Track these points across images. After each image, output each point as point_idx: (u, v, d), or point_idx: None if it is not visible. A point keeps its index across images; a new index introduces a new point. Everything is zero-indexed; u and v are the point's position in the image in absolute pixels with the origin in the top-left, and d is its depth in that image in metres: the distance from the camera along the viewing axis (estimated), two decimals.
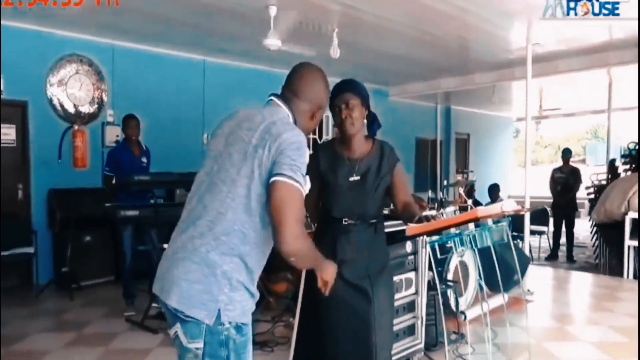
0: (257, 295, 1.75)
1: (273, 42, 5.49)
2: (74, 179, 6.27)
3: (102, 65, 6.73)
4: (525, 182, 6.44)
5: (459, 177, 11.64)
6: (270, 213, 1.62)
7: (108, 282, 6.24)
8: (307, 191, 1.67)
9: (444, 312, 4.04)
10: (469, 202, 6.01)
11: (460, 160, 13.64)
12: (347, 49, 6.28)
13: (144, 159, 5.28)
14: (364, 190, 2.45)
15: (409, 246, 3.67)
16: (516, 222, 6.84)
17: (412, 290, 3.70)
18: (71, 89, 6.48)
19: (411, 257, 3.70)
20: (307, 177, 1.69)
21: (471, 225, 2.26)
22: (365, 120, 2.50)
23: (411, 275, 3.69)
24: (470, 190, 9.24)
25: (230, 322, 1.63)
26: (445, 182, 12.09)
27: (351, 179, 2.46)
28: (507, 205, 2.17)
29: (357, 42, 6.79)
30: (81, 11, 5.33)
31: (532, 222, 7.67)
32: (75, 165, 6.23)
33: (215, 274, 1.62)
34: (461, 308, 4.40)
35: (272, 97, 1.87)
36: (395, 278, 3.46)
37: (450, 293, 4.44)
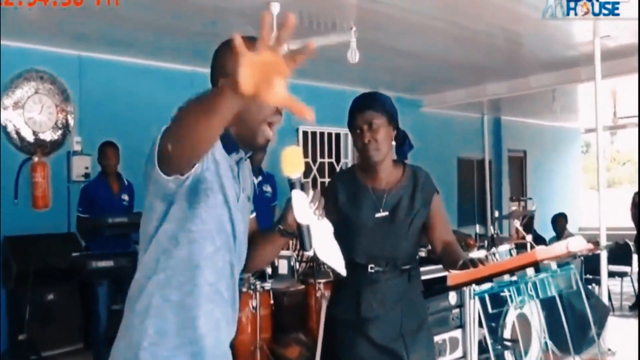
0: None
1: None
2: (34, 223, 6.32)
3: (67, 82, 6.87)
4: (599, 210, 6.38)
5: (515, 207, 11.59)
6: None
7: (76, 351, 6.22)
8: None
9: None
10: (528, 238, 5.95)
11: (515, 184, 13.56)
12: (367, 52, 6.35)
13: (125, 197, 5.36)
14: (393, 229, 2.46)
15: (452, 297, 3.65)
16: (590, 261, 6.77)
17: (458, 353, 3.66)
18: (29, 113, 6.62)
19: (456, 310, 3.69)
20: (207, 175, 1.68)
21: (530, 271, 2.25)
22: (393, 142, 2.52)
23: (457, 333, 3.67)
24: (529, 223, 9.18)
25: None
26: (497, 214, 12.01)
27: (377, 215, 2.48)
28: (575, 244, 2.16)
29: (380, 43, 6.87)
30: (41, 16, 5.47)
31: (611, 262, 7.58)
32: (35, 206, 6.31)
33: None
34: None
35: None
36: (437, 338, 3.43)
37: (507, 355, 4.38)
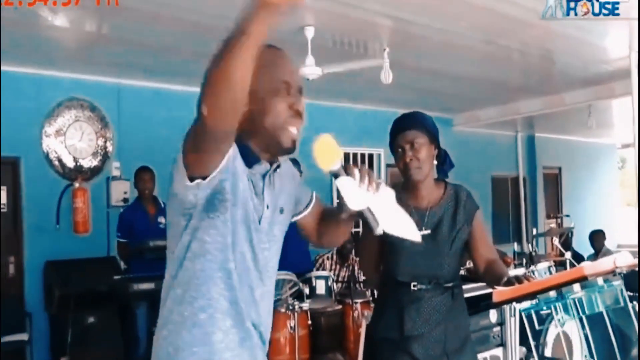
0: None
1: (311, 70, 5.63)
2: (75, 247, 6.45)
3: (105, 109, 7.03)
4: (637, 226, 6.27)
5: (552, 224, 11.43)
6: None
7: None
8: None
9: None
10: (567, 255, 5.87)
11: (551, 201, 13.40)
12: (400, 72, 6.37)
13: (162, 219, 5.42)
14: (436, 247, 2.47)
15: (493, 315, 3.62)
16: (630, 279, 6.62)
17: None
18: (70, 140, 6.78)
19: (497, 328, 3.65)
20: (234, 186, 1.62)
21: (576, 287, 2.22)
22: (435, 162, 2.53)
23: (498, 352, 3.63)
24: (567, 240, 9.04)
25: None
26: (534, 231, 11.87)
27: (420, 233, 2.48)
28: (622, 259, 2.13)
29: (412, 63, 6.89)
30: (81, 46, 5.63)
31: None
32: (76, 231, 6.43)
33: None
34: None
35: None
36: (478, 357, 3.40)
37: None
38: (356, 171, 1.62)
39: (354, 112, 9.32)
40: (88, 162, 6.91)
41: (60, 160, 6.70)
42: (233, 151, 1.61)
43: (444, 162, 2.59)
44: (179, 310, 1.67)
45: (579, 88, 8.78)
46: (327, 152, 1.59)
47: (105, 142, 7.04)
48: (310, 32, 5.43)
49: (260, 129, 1.69)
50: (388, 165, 9.90)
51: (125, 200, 6.80)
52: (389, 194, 1.71)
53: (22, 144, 6.36)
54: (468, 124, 10.75)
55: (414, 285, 2.45)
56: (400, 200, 2.56)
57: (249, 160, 1.69)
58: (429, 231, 2.49)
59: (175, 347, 1.67)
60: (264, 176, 1.75)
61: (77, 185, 6.55)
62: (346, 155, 9.41)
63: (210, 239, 1.62)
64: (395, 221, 1.71)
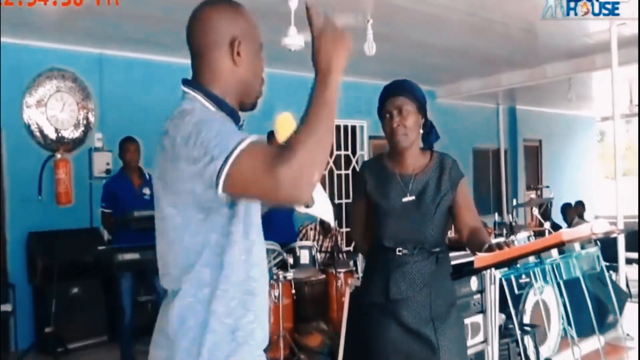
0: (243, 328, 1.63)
1: (294, 40, 5.62)
2: (57, 218, 6.45)
3: (87, 79, 6.98)
4: (616, 198, 6.39)
5: (532, 195, 11.58)
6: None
7: (101, 344, 6.34)
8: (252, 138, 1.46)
9: None
10: (546, 225, 5.99)
11: (532, 173, 13.55)
12: (384, 44, 6.38)
13: (147, 190, 5.42)
14: (420, 213, 2.52)
15: (474, 283, 3.68)
16: (607, 248, 6.76)
17: (480, 338, 3.70)
18: (52, 111, 6.74)
19: (477, 296, 3.71)
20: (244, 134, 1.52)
21: (554, 253, 2.29)
22: (421, 131, 2.57)
23: (478, 319, 3.70)
24: (546, 211, 9.18)
25: None
26: (514, 202, 12.01)
27: (404, 199, 2.54)
28: (599, 226, 2.20)
29: (396, 35, 6.90)
30: (61, 16, 5.56)
31: (629, 249, 7.56)
32: (59, 202, 6.40)
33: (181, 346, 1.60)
34: (545, 356, 4.38)
35: (183, 88, 1.72)
36: None
37: (528, 340, 4.42)
38: None
39: None
40: (70, 133, 6.87)
41: (41, 131, 6.66)
42: None
43: (429, 133, 2.63)
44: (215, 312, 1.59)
45: (561, 60, 8.84)
46: (287, 127, 1.75)
47: (87, 113, 7.00)
48: (294, 3, 5.42)
49: (239, 85, 1.70)
50: (371, 137, 9.95)
51: (107, 171, 6.78)
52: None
53: (3, 114, 6.28)
54: (451, 96, 10.80)
55: (399, 251, 2.50)
56: (386, 167, 2.62)
57: (235, 118, 1.68)
58: (413, 197, 2.54)
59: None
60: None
61: (59, 156, 6.49)
62: None
63: (235, 228, 1.58)
64: (319, 204, 1.89)
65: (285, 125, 1.79)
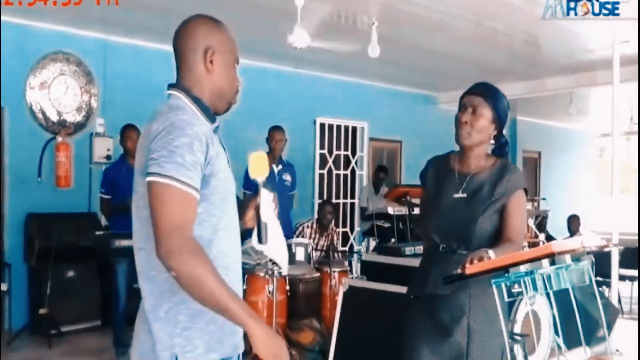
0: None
1: (300, 39, 5.69)
2: (56, 201, 6.52)
3: (91, 64, 7.03)
4: (612, 214, 6.45)
5: (528, 206, 11.61)
6: None
7: (94, 328, 6.43)
8: (194, 178, 1.68)
9: None
10: (541, 237, 6.07)
11: (529, 185, 13.55)
12: (388, 47, 6.45)
13: None
14: (468, 212, 2.52)
15: None
16: (601, 264, 6.82)
17: None
18: (55, 93, 6.79)
19: None
20: (213, 166, 1.76)
21: (545, 264, 2.35)
22: (492, 142, 2.60)
23: None
24: (542, 223, 9.26)
25: None
26: None
27: (456, 195, 2.57)
28: (589, 239, 2.27)
29: (400, 39, 6.97)
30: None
31: (622, 265, 7.64)
32: (58, 185, 6.48)
33: (158, 317, 1.77)
34: None
35: (169, 90, 1.94)
36: None
37: (517, 349, 4.48)
38: (273, 193, 2.02)
39: (339, 84, 9.40)
40: (72, 117, 6.92)
41: (43, 113, 6.71)
42: (203, 145, 1.74)
43: (501, 148, 2.63)
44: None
45: (562, 74, 8.93)
46: (259, 165, 1.96)
47: (89, 97, 7.05)
48: (300, 1, 5.48)
49: (213, 90, 1.92)
50: (371, 139, 10.02)
51: (108, 157, 6.84)
52: (279, 226, 2.07)
53: (6, 94, 6.33)
54: (452, 103, 10.80)
55: (442, 247, 2.55)
56: (448, 164, 2.64)
57: (211, 117, 1.90)
58: (464, 195, 2.56)
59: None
60: (214, 131, 1.92)
61: (60, 139, 6.56)
62: (330, 127, 9.51)
63: (214, 198, 1.80)
64: (276, 246, 2.06)
65: (257, 163, 1.96)
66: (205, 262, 1.64)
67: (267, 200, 1.95)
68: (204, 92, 1.89)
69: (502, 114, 2.58)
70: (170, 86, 1.94)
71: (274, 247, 2.03)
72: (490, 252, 2.27)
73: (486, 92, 2.57)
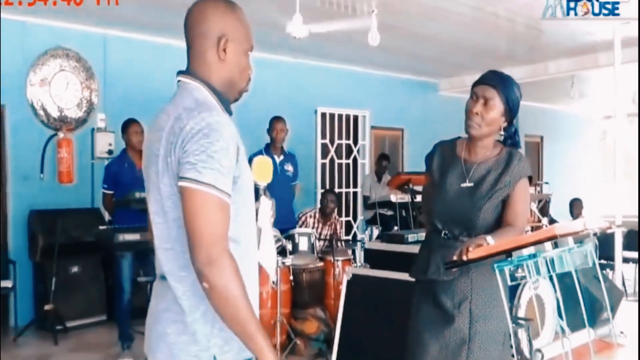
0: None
1: (298, 28, 5.66)
2: (59, 197, 6.53)
3: (91, 60, 7.02)
4: (615, 197, 6.42)
5: (531, 190, 11.60)
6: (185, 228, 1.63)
7: (99, 323, 6.45)
8: (228, 185, 1.63)
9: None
10: (544, 221, 6.06)
11: (532, 169, 13.52)
12: (388, 35, 6.42)
13: None
14: (473, 200, 2.53)
15: None
16: (604, 246, 6.80)
17: None
18: (55, 89, 6.78)
19: None
20: (240, 166, 1.69)
21: (548, 247, 2.35)
22: (502, 133, 2.59)
23: None
24: (545, 207, 9.24)
25: None
26: None
27: (463, 185, 2.57)
28: (592, 222, 2.26)
29: (400, 26, 6.93)
30: None
31: (626, 247, 7.61)
32: (61, 181, 6.49)
33: (196, 318, 1.69)
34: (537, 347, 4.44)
35: (178, 77, 1.84)
36: None
37: (521, 334, 4.48)
38: (272, 200, 2.05)
39: (340, 73, 9.36)
40: (73, 113, 6.92)
41: (44, 110, 6.70)
42: (235, 147, 1.68)
43: (511, 138, 2.63)
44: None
45: (564, 58, 8.89)
46: (264, 171, 2.02)
47: (90, 93, 7.04)
48: None
49: (225, 79, 1.82)
50: (372, 127, 9.99)
51: (109, 152, 6.83)
52: (273, 232, 2.15)
53: (7, 91, 6.33)
54: (453, 89, 10.82)
55: (445, 234, 2.56)
56: (455, 150, 2.64)
57: (229, 110, 1.82)
58: (471, 184, 2.56)
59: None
60: None
61: (61, 135, 6.57)
62: (332, 116, 9.48)
63: (238, 197, 1.73)
64: (266, 253, 2.12)
65: (261, 168, 2.00)
66: (242, 285, 1.59)
67: (265, 207, 1.96)
68: (217, 80, 1.79)
69: (515, 106, 2.58)
70: (183, 73, 1.83)
71: (264, 253, 2.08)
72: (489, 238, 2.28)
73: (500, 83, 2.55)
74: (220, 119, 1.66)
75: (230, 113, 1.80)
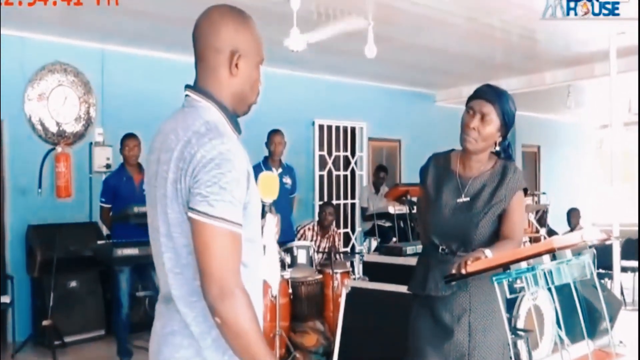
0: None
1: (296, 42, 5.68)
2: (57, 212, 6.52)
3: (89, 74, 7.02)
4: (613, 206, 6.44)
5: (528, 201, 11.62)
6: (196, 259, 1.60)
7: (98, 338, 6.41)
8: (240, 215, 1.60)
9: None
10: (542, 231, 6.06)
11: (529, 179, 13.60)
12: (384, 47, 6.44)
13: None
14: (469, 215, 2.54)
15: None
16: (603, 256, 6.79)
17: None
18: (53, 104, 6.78)
19: None
20: (250, 192, 1.66)
21: (546, 259, 2.34)
22: (497, 148, 2.59)
23: None
24: (543, 217, 9.25)
25: None
26: None
27: (459, 200, 2.57)
28: (590, 234, 2.26)
29: (397, 38, 6.96)
30: (65, 10, 5.60)
31: (624, 257, 7.62)
32: (59, 196, 6.48)
33: (207, 345, 1.66)
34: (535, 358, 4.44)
35: (187, 92, 1.80)
36: None
37: (521, 345, 4.47)
38: (277, 216, 2.06)
39: (337, 85, 9.39)
40: (71, 127, 6.92)
41: (42, 124, 6.70)
42: (247, 177, 1.66)
43: (504, 152, 2.64)
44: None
45: (560, 68, 8.91)
46: (270, 187, 2.02)
47: (88, 107, 7.04)
48: (296, 4, 5.47)
49: (235, 94, 1.77)
50: (370, 139, 10.01)
51: (107, 166, 6.83)
52: (276, 248, 2.14)
53: (5, 106, 6.31)
54: (450, 100, 10.84)
55: (442, 249, 2.56)
56: (450, 165, 2.64)
57: (237, 128, 1.78)
58: (467, 199, 2.57)
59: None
60: None
61: (59, 149, 6.56)
62: (329, 128, 9.50)
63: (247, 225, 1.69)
64: (270, 269, 2.12)
65: (267, 184, 2.00)
66: (255, 318, 1.58)
67: (271, 225, 1.96)
68: (227, 95, 1.75)
69: (510, 121, 2.58)
70: (191, 88, 1.78)
71: (269, 269, 2.07)
72: (487, 251, 2.28)
73: (497, 98, 2.56)
74: (231, 146, 1.61)
75: (239, 132, 1.77)
